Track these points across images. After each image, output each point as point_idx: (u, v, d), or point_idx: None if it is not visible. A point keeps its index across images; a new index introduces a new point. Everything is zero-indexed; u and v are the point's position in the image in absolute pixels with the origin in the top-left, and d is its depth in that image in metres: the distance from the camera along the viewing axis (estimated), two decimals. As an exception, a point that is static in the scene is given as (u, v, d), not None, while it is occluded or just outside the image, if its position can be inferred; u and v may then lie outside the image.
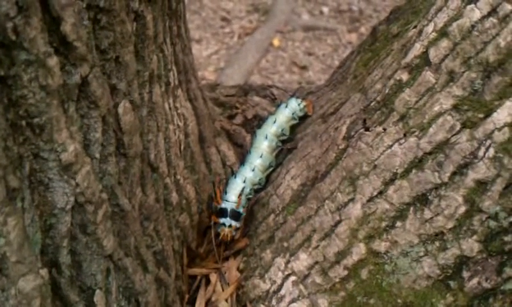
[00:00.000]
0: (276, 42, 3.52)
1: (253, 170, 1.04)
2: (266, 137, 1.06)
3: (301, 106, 1.11)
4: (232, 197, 1.01)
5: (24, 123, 0.53)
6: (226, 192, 1.03)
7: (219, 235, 1.00)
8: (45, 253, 0.60)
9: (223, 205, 1.01)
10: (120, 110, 0.68)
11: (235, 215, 1.00)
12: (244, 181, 1.03)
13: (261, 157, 1.05)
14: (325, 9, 3.90)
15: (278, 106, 1.15)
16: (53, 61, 0.53)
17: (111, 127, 0.66)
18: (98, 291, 0.68)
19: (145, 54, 0.73)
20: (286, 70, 3.31)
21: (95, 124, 0.63)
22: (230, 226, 0.99)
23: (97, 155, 0.64)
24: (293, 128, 1.11)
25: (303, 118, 1.12)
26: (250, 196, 1.04)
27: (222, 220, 1.00)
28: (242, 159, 1.11)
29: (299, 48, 3.50)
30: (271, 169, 1.08)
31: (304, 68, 3.31)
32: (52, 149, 0.56)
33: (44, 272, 0.58)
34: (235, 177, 1.04)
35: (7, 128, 0.51)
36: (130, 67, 0.68)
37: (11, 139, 0.52)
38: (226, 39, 3.58)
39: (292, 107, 1.10)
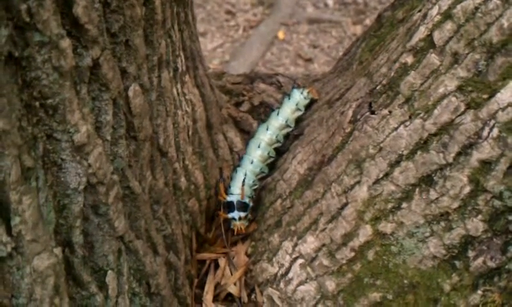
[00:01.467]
0: (280, 35, 3.52)
1: (251, 162, 1.04)
2: (267, 129, 1.07)
3: (305, 94, 1.11)
4: (236, 190, 1.02)
5: (37, 104, 0.55)
6: (229, 187, 1.03)
7: (230, 229, 1.01)
8: (58, 233, 0.61)
9: (229, 199, 1.02)
10: (130, 93, 0.69)
11: (242, 207, 1.01)
12: (245, 173, 1.03)
13: (259, 147, 1.06)
14: (330, 2, 3.89)
15: (283, 98, 1.15)
16: (65, 43, 0.54)
17: (122, 110, 0.67)
18: (110, 272, 0.69)
19: (154, 38, 0.74)
20: (291, 62, 3.31)
21: (106, 106, 0.64)
22: (240, 218, 1.01)
23: (108, 137, 0.65)
24: (299, 119, 1.11)
25: (310, 105, 1.12)
26: (256, 187, 1.05)
27: (230, 214, 1.01)
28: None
29: (304, 41, 3.50)
30: (271, 160, 1.08)
31: (309, 60, 3.31)
32: (65, 130, 0.58)
33: (58, 251, 0.59)
34: (236, 171, 1.05)
35: (21, 108, 0.52)
36: (139, 51, 0.70)
37: (26, 120, 0.53)
38: (231, 33, 3.58)
39: (295, 98, 1.10)
